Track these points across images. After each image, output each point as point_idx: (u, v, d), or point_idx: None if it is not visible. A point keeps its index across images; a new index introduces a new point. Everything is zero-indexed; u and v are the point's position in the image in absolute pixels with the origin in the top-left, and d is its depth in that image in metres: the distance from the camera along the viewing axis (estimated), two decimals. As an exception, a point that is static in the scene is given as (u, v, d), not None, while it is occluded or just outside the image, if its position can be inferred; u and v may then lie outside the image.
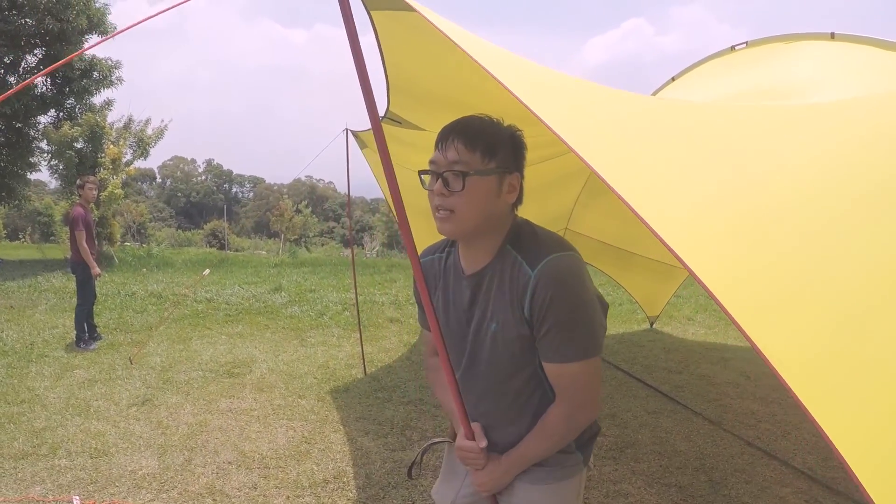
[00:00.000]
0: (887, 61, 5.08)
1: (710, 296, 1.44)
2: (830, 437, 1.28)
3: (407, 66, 4.13)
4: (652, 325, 11.21)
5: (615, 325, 11.12)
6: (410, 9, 2.68)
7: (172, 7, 1.99)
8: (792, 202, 2.34)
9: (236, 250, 31.63)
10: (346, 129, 7.24)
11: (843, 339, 1.60)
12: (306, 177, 71.36)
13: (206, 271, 9.04)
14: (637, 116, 2.97)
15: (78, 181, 9.27)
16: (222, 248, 37.03)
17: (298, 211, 44.95)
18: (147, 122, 21.14)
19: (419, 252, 2.22)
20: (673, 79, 7.26)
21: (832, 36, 5.63)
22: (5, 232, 43.31)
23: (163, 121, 21.58)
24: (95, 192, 9.32)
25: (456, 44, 2.38)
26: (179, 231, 59.17)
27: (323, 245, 46.31)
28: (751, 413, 6.73)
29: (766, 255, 1.89)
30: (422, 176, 2.07)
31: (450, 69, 3.74)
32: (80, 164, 19.00)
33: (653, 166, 2.19)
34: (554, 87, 2.98)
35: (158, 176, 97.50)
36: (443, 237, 2.22)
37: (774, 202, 2.24)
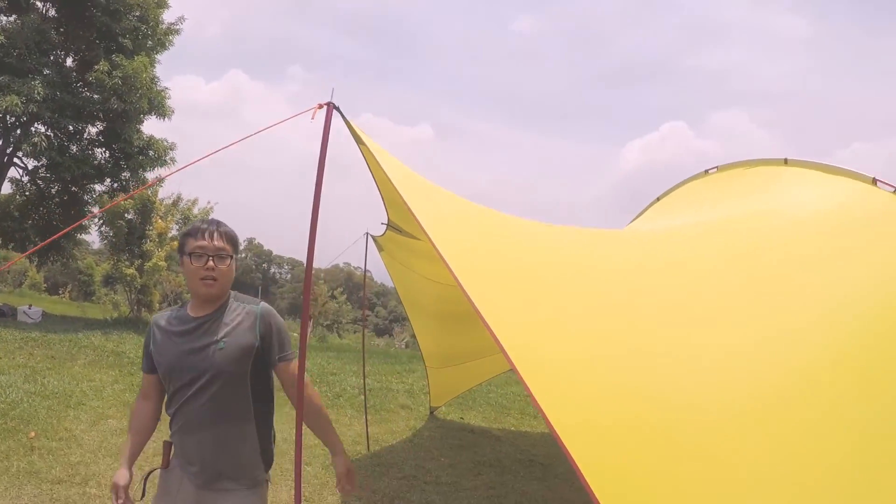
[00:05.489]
0: (822, 184, 5.78)
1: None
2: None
3: (387, 182, 4.94)
4: (432, 412, 11.79)
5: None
6: (361, 142, 3.76)
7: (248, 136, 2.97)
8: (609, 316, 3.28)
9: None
10: (367, 234, 8.08)
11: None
12: (344, 263, 72.19)
13: None
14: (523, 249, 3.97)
15: None
16: None
17: (333, 297, 45.62)
18: (195, 201, 22.11)
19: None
20: (658, 198, 7.90)
21: (785, 161, 6.24)
22: (45, 286, 44.73)
23: (209, 202, 22.23)
24: None
25: (381, 165, 3.48)
26: None
27: (355, 332, 46.90)
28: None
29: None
30: (186, 256, 3.21)
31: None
32: (130, 234, 20.14)
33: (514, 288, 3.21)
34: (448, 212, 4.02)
35: None
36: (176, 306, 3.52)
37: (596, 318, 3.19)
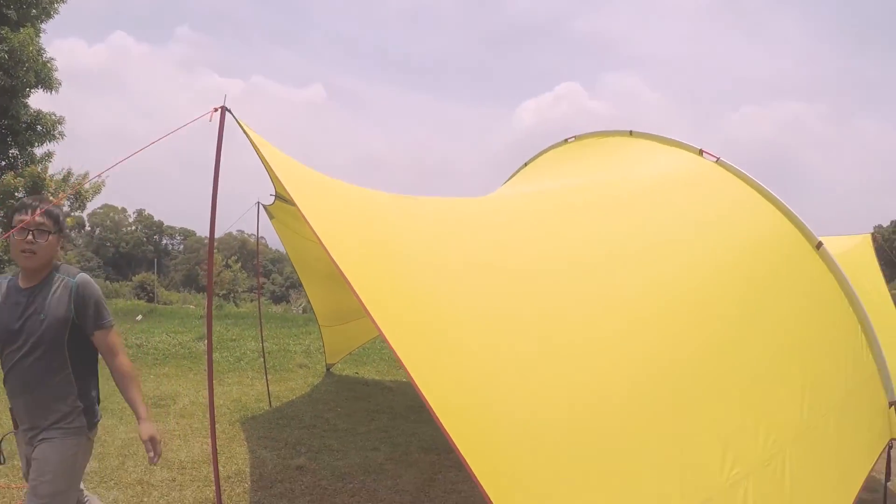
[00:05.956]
0: (659, 153, 6.85)
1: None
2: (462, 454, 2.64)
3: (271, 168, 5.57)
4: (329, 369, 12.83)
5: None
6: (249, 137, 4.54)
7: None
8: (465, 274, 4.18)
9: (165, 303, 32.23)
10: (258, 203, 8.74)
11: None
12: (237, 231, 71.20)
13: (139, 317, 10.35)
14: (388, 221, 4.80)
15: None
16: (151, 300, 37.31)
17: (228, 266, 45.33)
18: (85, 175, 21.27)
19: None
20: (525, 164, 8.82)
21: (630, 133, 7.36)
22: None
23: (100, 175, 21.29)
24: None
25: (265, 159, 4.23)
26: (108, 283, 58.74)
27: (252, 301, 46.83)
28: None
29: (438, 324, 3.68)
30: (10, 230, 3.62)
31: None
32: (22, 213, 19.57)
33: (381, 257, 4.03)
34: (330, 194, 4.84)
35: (88, 224, 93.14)
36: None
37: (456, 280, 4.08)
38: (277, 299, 53.80)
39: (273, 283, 76.17)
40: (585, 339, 4.05)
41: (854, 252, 7.95)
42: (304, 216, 3.82)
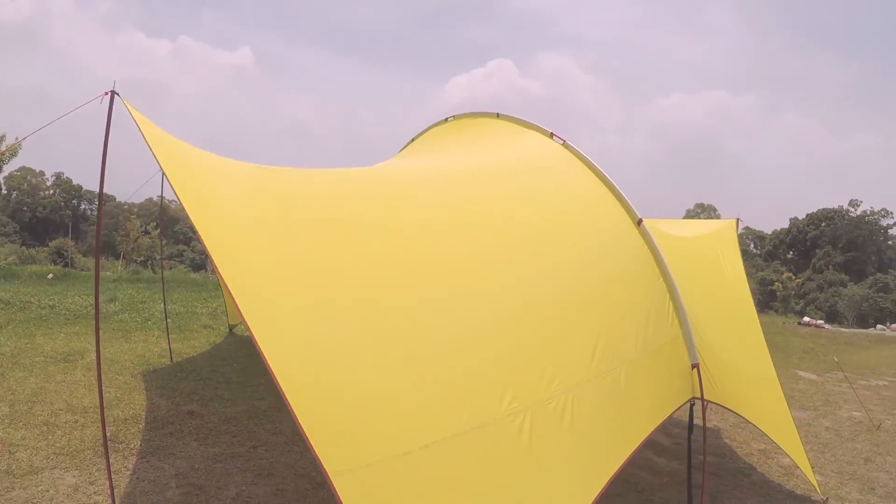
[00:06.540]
0: (518, 134, 7.81)
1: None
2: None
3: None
4: (231, 329, 13.87)
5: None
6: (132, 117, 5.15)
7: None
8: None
9: (83, 270, 32.31)
10: (162, 171, 9.40)
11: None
12: (158, 196, 69.91)
13: (50, 275, 10.98)
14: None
15: None
16: (66, 266, 37.14)
17: (146, 232, 45.36)
18: (2, 138, 21.68)
19: None
20: (413, 139, 9.74)
21: (497, 115, 8.28)
22: None
23: (17, 138, 21.10)
24: None
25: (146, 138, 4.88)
26: (23, 248, 57.73)
27: (171, 269, 46.66)
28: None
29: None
30: None
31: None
32: (-64, 179, 19.72)
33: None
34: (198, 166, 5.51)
35: (4, 187, 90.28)
36: None
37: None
38: (197, 267, 53.48)
39: (193, 251, 75.33)
40: (404, 293, 4.92)
41: (717, 234, 9.00)
42: (171, 184, 4.50)
